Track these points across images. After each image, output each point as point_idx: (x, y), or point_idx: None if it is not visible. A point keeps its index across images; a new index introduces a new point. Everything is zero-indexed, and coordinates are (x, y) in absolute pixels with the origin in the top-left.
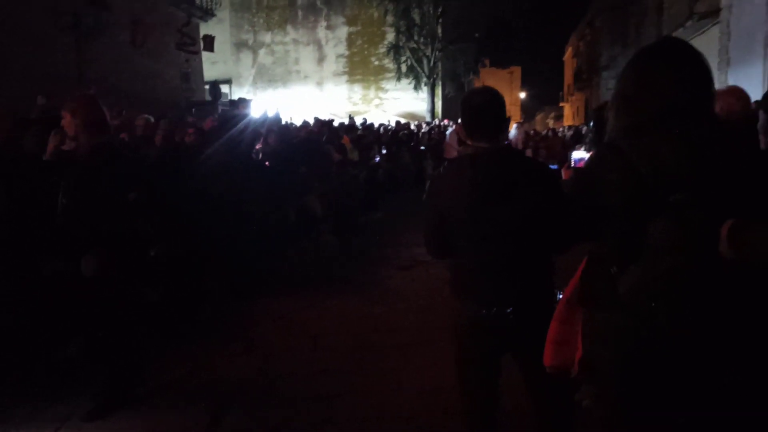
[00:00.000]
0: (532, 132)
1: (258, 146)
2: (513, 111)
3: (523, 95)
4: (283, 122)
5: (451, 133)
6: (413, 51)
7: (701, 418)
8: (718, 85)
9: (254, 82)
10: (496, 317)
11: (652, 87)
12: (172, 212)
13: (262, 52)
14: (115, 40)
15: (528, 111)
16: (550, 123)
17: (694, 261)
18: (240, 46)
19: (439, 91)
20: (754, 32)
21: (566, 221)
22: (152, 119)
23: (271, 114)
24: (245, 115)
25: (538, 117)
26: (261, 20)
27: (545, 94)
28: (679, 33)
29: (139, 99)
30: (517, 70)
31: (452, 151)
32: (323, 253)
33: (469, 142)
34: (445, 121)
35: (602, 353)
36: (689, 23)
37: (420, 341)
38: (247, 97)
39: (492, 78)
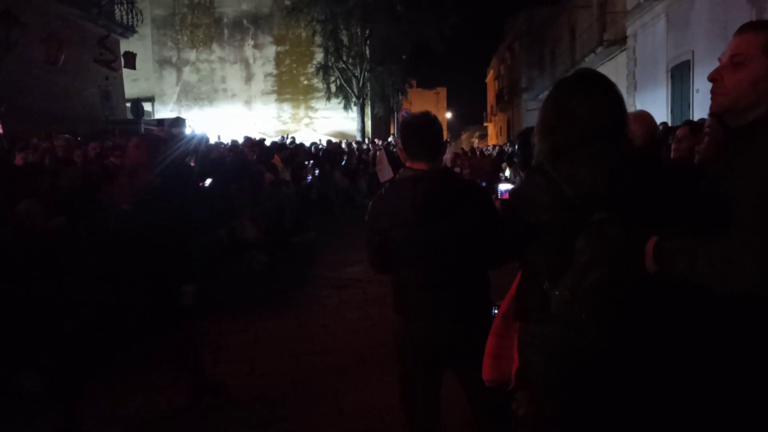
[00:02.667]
0: (460, 151)
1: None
2: None
3: (449, 115)
4: (212, 141)
5: (380, 154)
6: (342, 71)
7: (631, 422)
8: (628, 108)
9: (179, 100)
10: (437, 333)
11: (570, 115)
12: (95, 235)
13: (186, 69)
14: (28, 57)
15: (454, 130)
16: (475, 142)
17: (616, 274)
18: (163, 63)
19: (368, 111)
20: (658, 58)
21: (500, 239)
22: (73, 139)
23: (203, 136)
24: (182, 135)
25: (464, 136)
26: (185, 37)
27: (470, 114)
28: (591, 59)
29: (56, 118)
30: (443, 91)
31: (385, 174)
32: (256, 274)
33: (408, 164)
34: (375, 140)
35: (537, 364)
36: (599, 49)
37: (358, 361)
38: (171, 115)
39: (419, 98)
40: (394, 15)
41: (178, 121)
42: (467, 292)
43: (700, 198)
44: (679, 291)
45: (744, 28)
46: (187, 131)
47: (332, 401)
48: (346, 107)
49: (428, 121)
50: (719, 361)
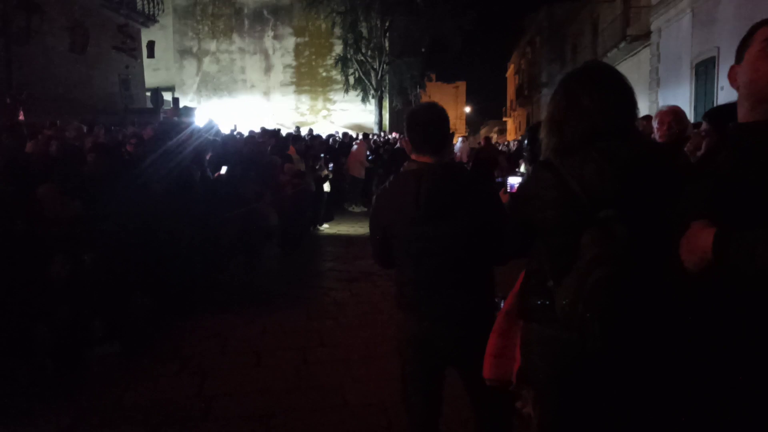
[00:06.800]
0: (477, 145)
1: (207, 156)
2: (458, 125)
3: (468, 109)
4: (228, 132)
5: (357, 148)
6: (361, 63)
7: (635, 422)
8: (649, 104)
9: (198, 90)
10: (441, 332)
11: (578, 109)
12: (107, 222)
13: (206, 59)
14: (49, 45)
15: (473, 125)
16: (494, 137)
17: (621, 272)
18: (184, 53)
19: (386, 104)
20: (682, 54)
21: (506, 236)
22: (84, 127)
23: (211, 123)
24: (189, 124)
25: (482, 131)
26: (206, 28)
27: (489, 109)
28: (613, 54)
29: (75, 106)
30: (462, 85)
31: (358, 167)
32: (267, 266)
33: (413, 157)
34: (394, 134)
35: (540, 364)
36: (622, 45)
37: (363, 356)
38: (190, 105)
39: (438, 92)
40: (413, 8)
41: (187, 111)
42: (471, 290)
43: (736, 191)
44: (695, 292)
45: None
46: (203, 122)
47: (336, 395)
48: (364, 100)
49: (435, 112)
50: (736, 366)
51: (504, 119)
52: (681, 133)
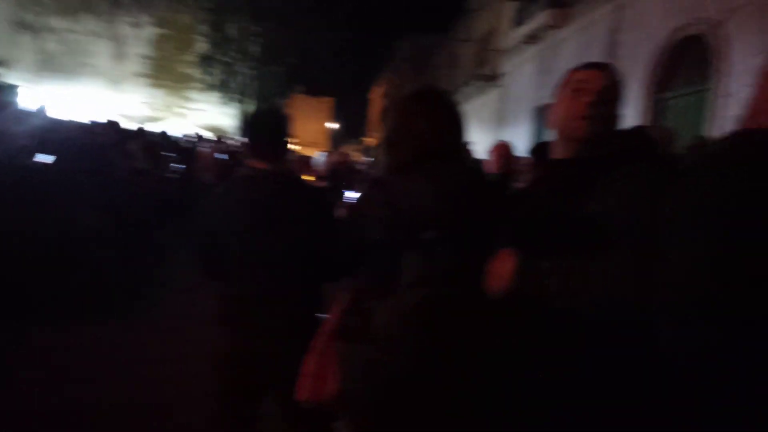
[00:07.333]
0: (342, 160)
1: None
2: (320, 140)
3: (333, 126)
4: (62, 118)
5: (208, 151)
6: (225, 65)
7: None
8: (494, 140)
9: (35, 70)
10: (263, 348)
11: (410, 131)
12: None
13: (48, 37)
14: None
15: (336, 141)
16: (356, 155)
17: (439, 295)
18: (21, 26)
19: (248, 109)
20: (524, 97)
21: (338, 252)
22: None
23: (41, 108)
24: (10, 104)
25: (344, 148)
26: (51, 2)
27: (354, 127)
28: (467, 91)
29: None
30: (328, 101)
31: (208, 171)
32: (96, 271)
33: (248, 162)
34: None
35: (357, 386)
36: (475, 83)
37: (194, 372)
38: (24, 85)
39: (304, 105)
40: (284, 18)
41: (9, 90)
42: (298, 306)
43: (548, 220)
44: (517, 314)
45: (605, 67)
46: (35, 105)
47: (160, 414)
48: (225, 102)
49: (276, 119)
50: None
51: (365, 139)
52: (509, 165)
